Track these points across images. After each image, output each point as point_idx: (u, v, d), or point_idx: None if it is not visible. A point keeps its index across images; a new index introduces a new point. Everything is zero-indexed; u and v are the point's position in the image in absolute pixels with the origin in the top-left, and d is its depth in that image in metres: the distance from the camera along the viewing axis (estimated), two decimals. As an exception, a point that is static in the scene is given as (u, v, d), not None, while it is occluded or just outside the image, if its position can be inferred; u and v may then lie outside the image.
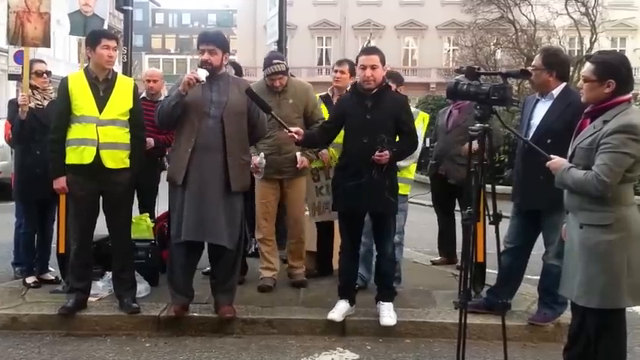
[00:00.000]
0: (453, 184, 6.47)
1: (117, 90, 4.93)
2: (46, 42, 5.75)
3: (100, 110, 4.83)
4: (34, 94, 5.64)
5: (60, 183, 4.90)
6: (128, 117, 4.95)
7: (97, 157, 4.80)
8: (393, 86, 5.35)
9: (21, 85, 5.82)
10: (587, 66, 3.48)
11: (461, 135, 6.21)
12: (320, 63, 47.21)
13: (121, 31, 6.78)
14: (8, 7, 5.56)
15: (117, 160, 4.88)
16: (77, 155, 4.82)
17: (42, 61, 5.91)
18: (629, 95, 3.43)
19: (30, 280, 5.68)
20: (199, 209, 4.69)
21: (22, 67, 5.80)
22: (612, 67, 3.40)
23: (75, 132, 4.83)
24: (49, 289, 5.51)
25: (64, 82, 4.92)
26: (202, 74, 4.63)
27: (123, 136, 4.92)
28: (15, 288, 5.60)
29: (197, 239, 4.81)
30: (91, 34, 5.13)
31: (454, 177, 6.40)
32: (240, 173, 4.83)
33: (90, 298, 5.12)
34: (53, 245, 5.79)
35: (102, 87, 4.89)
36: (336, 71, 5.95)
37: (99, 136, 4.80)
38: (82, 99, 4.83)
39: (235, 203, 4.85)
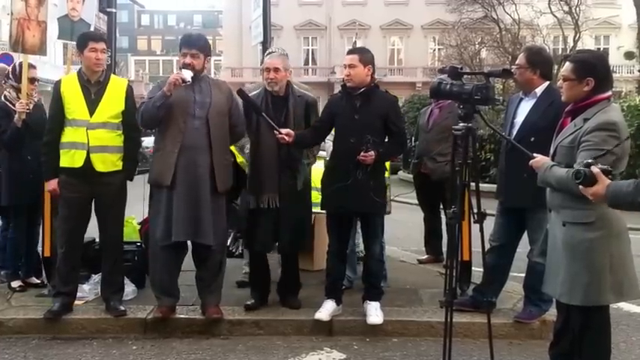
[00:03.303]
0: (436, 182, 6.42)
1: (109, 92, 4.92)
2: (42, 50, 5.76)
3: (91, 113, 4.82)
4: (18, 97, 5.60)
5: (52, 185, 4.91)
6: (120, 119, 4.94)
7: (88, 160, 4.80)
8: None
9: (5, 85, 5.78)
10: (566, 65, 3.52)
11: (441, 133, 6.25)
12: (306, 63, 47.09)
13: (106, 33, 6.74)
14: (11, 13, 5.57)
15: (107, 163, 4.88)
16: (68, 158, 4.83)
17: (33, 67, 5.85)
18: (609, 93, 3.46)
19: (15, 284, 5.64)
20: (190, 209, 4.69)
21: (7, 69, 5.79)
22: (590, 65, 3.43)
23: (67, 135, 4.84)
24: (35, 293, 5.48)
25: (57, 85, 4.94)
26: (187, 75, 4.63)
27: (114, 139, 4.91)
28: (0, 292, 5.55)
29: (188, 239, 4.80)
30: (79, 37, 5.13)
31: (437, 175, 6.38)
32: (224, 173, 4.86)
33: (76, 302, 5.09)
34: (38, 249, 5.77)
35: (93, 89, 4.89)
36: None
37: (89, 140, 4.80)
38: (74, 102, 4.84)
39: (221, 203, 4.88)
